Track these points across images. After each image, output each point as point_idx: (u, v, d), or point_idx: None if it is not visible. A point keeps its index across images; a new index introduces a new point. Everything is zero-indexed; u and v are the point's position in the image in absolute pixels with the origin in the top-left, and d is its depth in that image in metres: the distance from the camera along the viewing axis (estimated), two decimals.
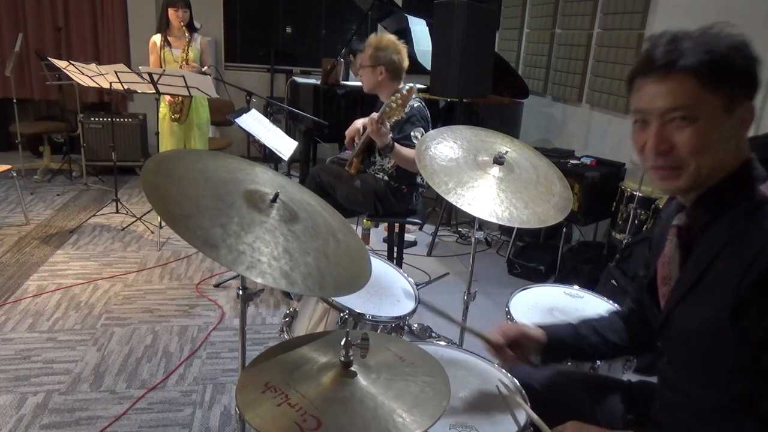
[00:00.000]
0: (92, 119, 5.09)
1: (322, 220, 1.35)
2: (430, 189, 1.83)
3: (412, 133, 2.61)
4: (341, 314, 1.61)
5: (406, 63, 2.74)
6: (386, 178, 2.76)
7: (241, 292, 1.35)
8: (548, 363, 1.33)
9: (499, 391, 1.30)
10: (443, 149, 1.80)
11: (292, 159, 3.53)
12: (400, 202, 2.78)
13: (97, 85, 3.76)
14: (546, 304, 1.77)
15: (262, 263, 1.06)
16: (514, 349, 1.30)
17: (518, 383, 1.33)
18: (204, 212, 1.10)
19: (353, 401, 0.97)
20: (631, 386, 1.34)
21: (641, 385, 1.33)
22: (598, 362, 1.52)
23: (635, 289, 1.35)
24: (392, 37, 2.73)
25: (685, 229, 1.06)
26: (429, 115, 2.73)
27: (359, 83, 2.99)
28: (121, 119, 5.20)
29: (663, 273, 1.11)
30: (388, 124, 2.42)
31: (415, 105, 2.66)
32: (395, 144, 2.51)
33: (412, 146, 2.61)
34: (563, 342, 1.30)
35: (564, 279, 3.30)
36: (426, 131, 2.65)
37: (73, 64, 3.67)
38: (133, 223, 4.04)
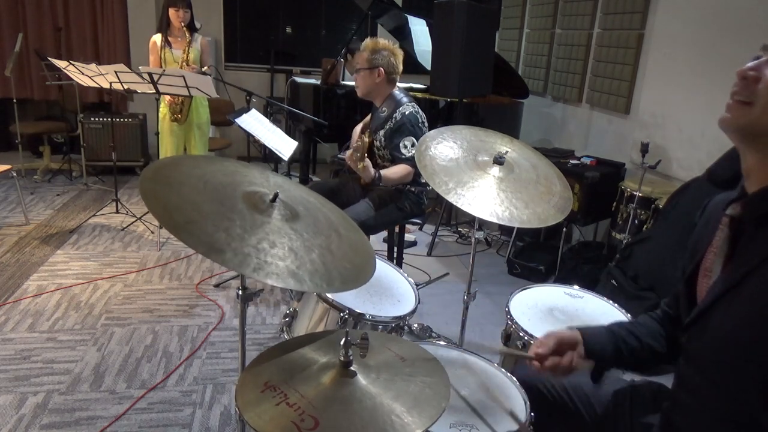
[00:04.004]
0: (92, 119, 5.09)
1: (323, 216, 1.36)
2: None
3: (401, 144, 2.59)
4: (341, 314, 1.61)
5: (401, 68, 2.72)
6: None
7: (241, 292, 1.35)
8: (598, 370, 1.23)
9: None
10: (443, 149, 1.80)
11: (292, 159, 3.53)
12: (414, 204, 2.77)
13: (97, 85, 3.76)
14: (546, 304, 1.77)
15: (268, 264, 1.06)
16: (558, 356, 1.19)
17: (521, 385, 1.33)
18: (206, 217, 1.10)
19: (352, 401, 0.97)
20: (635, 386, 1.30)
21: (646, 385, 1.29)
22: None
23: (673, 288, 1.23)
24: (388, 42, 2.71)
25: (737, 221, 0.98)
26: (424, 120, 2.68)
27: None
28: (121, 119, 5.20)
29: (707, 264, 1.03)
30: (362, 165, 2.38)
31: (407, 112, 2.61)
32: (381, 174, 2.50)
33: (401, 157, 2.59)
34: (601, 344, 1.20)
35: (564, 279, 3.30)
36: (420, 137, 2.61)
37: (73, 64, 3.67)
38: (133, 223, 4.04)
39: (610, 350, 1.20)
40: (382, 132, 2.67)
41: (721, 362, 0.95)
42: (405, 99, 2.69)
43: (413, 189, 2.74)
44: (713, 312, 0.97)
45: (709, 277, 1.02)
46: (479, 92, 4.15)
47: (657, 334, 1.23)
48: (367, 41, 2.70)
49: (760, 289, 0.89)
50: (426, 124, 2.69)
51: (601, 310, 1.75)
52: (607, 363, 1.23)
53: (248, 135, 3.01)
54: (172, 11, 3.74)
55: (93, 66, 3.63)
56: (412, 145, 2.57)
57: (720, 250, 1.01)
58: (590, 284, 2.87)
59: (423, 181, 2.73)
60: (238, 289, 1.35)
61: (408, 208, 2.73)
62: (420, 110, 2.68)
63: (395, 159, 2.62)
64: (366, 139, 2.45)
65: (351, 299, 1.67)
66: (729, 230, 0.99)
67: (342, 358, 1.02)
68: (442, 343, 1.61)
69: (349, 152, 2.43)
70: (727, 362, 0.94)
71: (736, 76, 0.93)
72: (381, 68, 2.64)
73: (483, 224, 3.90)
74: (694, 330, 1.02)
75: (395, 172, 2.57)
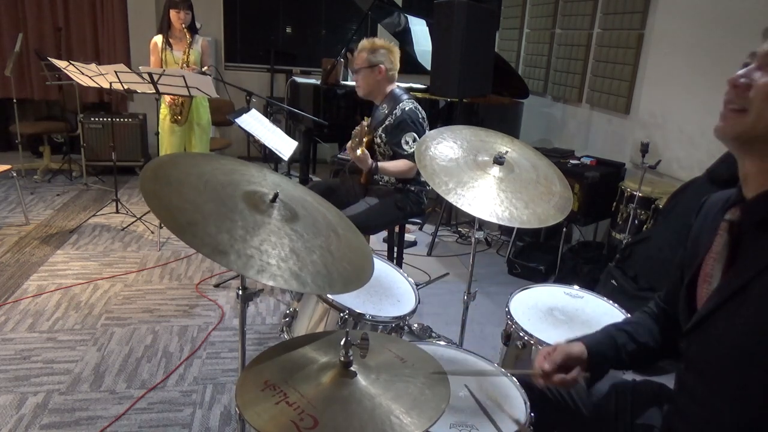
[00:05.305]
0: (92, 119, 5.09)
1: (321, 216, 1.35)
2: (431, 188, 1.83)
3: (403, 140, 2.59)
4: (341, 314, 1.61)
5: (398, 65, 2.74)
6: (393, 179, 2.75)
7: (240, 292, 1.35)
8: (595, 379, 1.23)
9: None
10: (443, 149, 1.80)
11: (292, 159, 3.53)
12: (415, 204, 2.77)
13: (97, 85, 3.76)
14: (546, 304, 1.77)
15: (271, 266, 1.06)
16: (564, 371, 1.18)
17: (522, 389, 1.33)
18: (209, 218, 1.09)
19: (351, 401, 0.97)
20: (635, 386, 1.30)
21: (647, 385, 1.29)
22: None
23: (668, 283, 1.23)
24: (384, 40, 2.73)
25: (737, 225, 0.97)
26: (424, 116, 2.70)
27: None
28: (121, 119, 5.20)
29: (707, 270, 1.02)
30: (360, 150, 2.42)
31: (407, 108, 2.63)
32: (378, 165, 2.54)
33: (403, 153, 2.60)
34: (604, 355, 1.20)
35: (564, 279, 3.30)
36: (421, 133, 2.63)
37: (73, 64, 3.66)
38: (133, 223, 4.04)
39: (611, 357, 1.20)
40: (381, 128, 2.68)
41: (724, 368, 0.95)
42: (405, 96, 2.71)
43: (413, 188, 2.74)
44: (715, 318, 0.96)
45: (710, 282, 1.01)
46: (479, 92, 4.15)
47: (652, 332, 1.24)
48: (364, 42, 2.71)
49: (766, 295, 0.88)
50: (426, 121, 2.71)
51: (601, 310, 1.75)
52: (607, 370, 1.23)
53: (248, 135, 3.02)
54: (173, 13, 3.74)
55: (93, 66, 3.63)
56: (414, 141, 2.58)
57: (720, 256, 1.00)
58: (590, 284, 2.87)
59: (422, 179, 2.74)
60: (238, 289, 1.35)
61: (408, 208, 2.74)
62: (420, 107, 2.70)
63: (396, 155, 2.63)
64: (365, 123, 2.46)
65: (351, 299, 1.67)
66: (728, 235, 0.99)
67: (342, 359, 1.02)
68: (442, 343, 1.61)
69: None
70: (730, 368, 0.93)
71: (728, 85, 0.93)
72: (381, 65, 2.66)
73: (483, 224, 3.89)
74: (694, 336, 1.02)
75: (395, 165, 2.59)
